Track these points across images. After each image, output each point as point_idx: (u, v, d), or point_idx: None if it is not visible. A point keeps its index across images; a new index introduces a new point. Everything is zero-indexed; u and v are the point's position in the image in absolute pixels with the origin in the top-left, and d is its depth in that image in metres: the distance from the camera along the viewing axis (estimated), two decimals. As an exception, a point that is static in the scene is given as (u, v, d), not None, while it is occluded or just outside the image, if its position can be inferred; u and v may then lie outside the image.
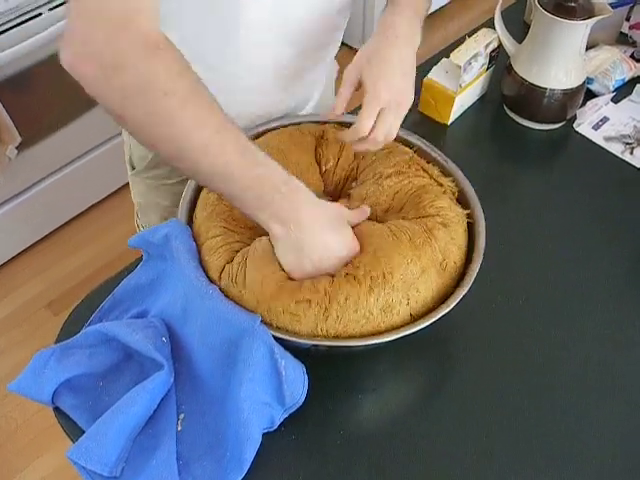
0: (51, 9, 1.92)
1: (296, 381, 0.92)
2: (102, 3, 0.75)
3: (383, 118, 1.00)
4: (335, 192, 1.15)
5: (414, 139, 1.15)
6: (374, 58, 1.01)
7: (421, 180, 1.07)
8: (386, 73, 1.00)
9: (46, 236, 2.50)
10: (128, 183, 1.39)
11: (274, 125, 1.18)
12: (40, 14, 1.91)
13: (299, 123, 1.18)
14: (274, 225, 0.89)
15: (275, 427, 0.93)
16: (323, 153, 1.14)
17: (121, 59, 0.76)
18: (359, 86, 1.03)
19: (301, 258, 0.91)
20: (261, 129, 1.17)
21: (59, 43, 0.78)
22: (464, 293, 0.95)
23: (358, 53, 1.03)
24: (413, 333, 0.91)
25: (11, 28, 1.87)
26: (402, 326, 0.92)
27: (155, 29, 0.79)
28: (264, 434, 0.92)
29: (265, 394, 0.92)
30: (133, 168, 1.33)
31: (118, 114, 0.81)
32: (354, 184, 1.12)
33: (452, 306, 0.94)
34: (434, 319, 0.92)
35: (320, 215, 0.92)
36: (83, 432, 0.90)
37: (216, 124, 0.83)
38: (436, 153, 1.14)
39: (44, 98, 2.11)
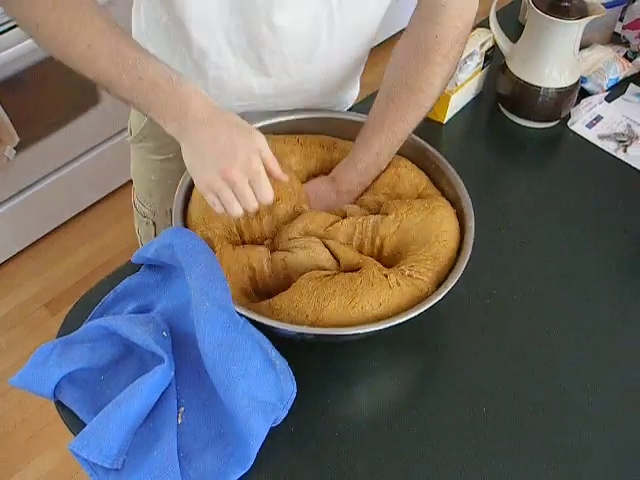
0: (49, 10, 1.93)
1: (285, 372, 0.94)
2: None
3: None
4: None
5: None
6: (319, 201, 1.13)
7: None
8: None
9: (44, 236, 2.50)
10: (126, 183, 1.41)
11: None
12: (39, 15, 1.91)
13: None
14: (169, 125, 0.93)
15: (279, 422, 0.94)
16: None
17: None
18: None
19: (197, 158, 0.94)
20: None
21: None
22: (453, 284, 0.97)
23: (315, 181, 1.16)
24: (401, 323, 0.93)
25: (10, 29, 1.87)
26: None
27: None
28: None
29: (264, 388, 0.93)
30: (131, 134, 1.35)
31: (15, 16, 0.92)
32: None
33: (443, 295, 0.95)
34: (423, 309, 0.94)
35: (211, 111, 0.93)
36: (84, 425, 0.91)
37: (86, 40, 0.91)
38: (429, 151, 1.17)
39: (42, 98, 2.12)
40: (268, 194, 0.93)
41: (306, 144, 1.19)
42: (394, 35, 3.02)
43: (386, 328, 0.93)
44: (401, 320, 0.93)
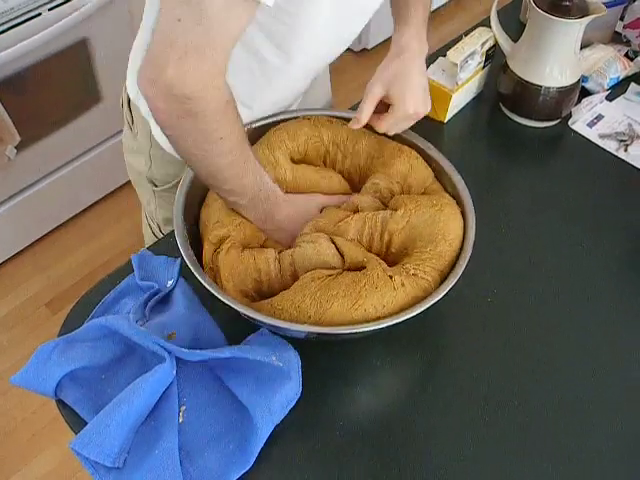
0: (51, 9, 1.93)
1: (293, 373, 0.95)
2: (200, 59, 0.82)
3: (401, 126, 1.17)
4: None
5: (410, 136, 1.18)
6: (399, 79, 1.13)
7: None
8: (411, 89, 1.13)
9: (45, 235, 2.51)
10: (126, 183, 1.40)
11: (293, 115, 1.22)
12: (40, 14, 1.91)
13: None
14: (255, 219, 1.06)
15: (280, 420, 0.94)
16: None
17: (198, 109, 0.86)
18: (380, 102, 1.15)
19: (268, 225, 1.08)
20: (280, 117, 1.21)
21: (142, 67, 0.85)
22: (452, 284, 0.97)
23: (379, 71, 1.15)
24: (401, 322, 0.93)
25: (10, 28, 1.87)
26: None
27: (228, 87, 0.90)
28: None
29: (273, 388, 0.94)
30: (155, 185, 1.37)
31: (173, 141, 0.93)
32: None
33: (441, 295, 0.95)
34: (423, 308, 0.94)
35: (292, 213, 1.09)
36: (86, 424, 0.91)
37: (245, 157, 0.99)
38: (431, 150, 1.17)
39: (43, 98, 2.12)
40: None
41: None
42: (388, 39, 3.04)
43: (385, 327, 0.93)
44: (398, 320, 0.93)
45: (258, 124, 1.18)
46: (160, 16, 0.82)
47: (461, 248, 1.03)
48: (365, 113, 1.13)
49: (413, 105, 1.13)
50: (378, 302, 0.94)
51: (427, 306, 0.94)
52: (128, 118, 1.31)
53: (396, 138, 1.18)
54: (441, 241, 1.01)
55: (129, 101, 1.27)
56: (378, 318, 0.94)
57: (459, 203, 1.08)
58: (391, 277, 0.96)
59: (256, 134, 1.16)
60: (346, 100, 1.43)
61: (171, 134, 0.91)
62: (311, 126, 1.17)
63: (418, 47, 1.16)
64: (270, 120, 1.19)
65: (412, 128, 1.18)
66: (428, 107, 1.17)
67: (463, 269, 0.99)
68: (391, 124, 1.15)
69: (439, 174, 1.15)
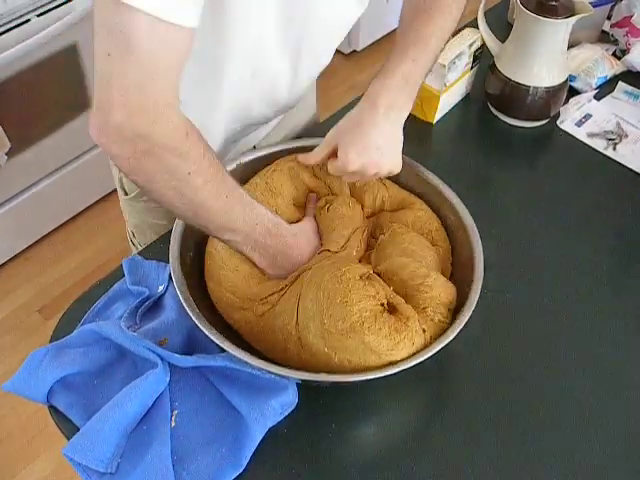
0: (40, 15, 1.93)
1: (288, 384, 0.95)
2: (142, 95, 0.77)
3: (348, 178, 1.11)
4: None
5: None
6: (353, 129, 1.04)
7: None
8: (357, 145, 1.04)
9: (36, 242, 2.51)
10: (117, 188, 1.39)
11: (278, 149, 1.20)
12: (28, 20, 1.91)
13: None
14: (258, 259, 1.02)
15: (275, 422, 0.94)
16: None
17: (154, 148, 0.80)
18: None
19: (276, 267, 1.04)
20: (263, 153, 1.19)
21: (90, 114, 0.80)
22: (459, 329, 0.95)
23: (342, 120, 1.07)
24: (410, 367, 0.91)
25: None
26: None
27: (184, 118, 0.84)
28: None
29: (267, 392, 0.94)
30: (126, 193, 1.33)
31: (142, 185, 0.87)
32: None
33: (450, 339, 0.94)
34: (434, 352, 0.92)
35: (297, 242, 1.05)
36: (78, 430, 0.92)
37: (227, 190, 0.93)
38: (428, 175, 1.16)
39: (33, 104, 2.12)
40: None
41: None
42: (381, 38, 3.04)
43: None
44: (412, 364, 0.91)
45: (246, 159, 1.16)
46: (94, 51, 0.77)
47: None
48: (313, 157, 1.11)
49: (357, 163, 1.03)
50: (407, 354, 0.92)
51: (437, 350, 0.92)
52: None
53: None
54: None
55: None
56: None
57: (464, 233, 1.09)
58: (424, 331, 0.95)
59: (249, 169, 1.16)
60: (335, 103, 1.43)
61: (137, 179, 0.85)
62: (292, 177, 1.16)
63: (388, 102, 1.04)
64: (260, 154, 1.18)
65: (404, 129, 1.16)
66: (384, 170, 1.07)
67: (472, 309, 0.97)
68: (336, 171, 1.08)
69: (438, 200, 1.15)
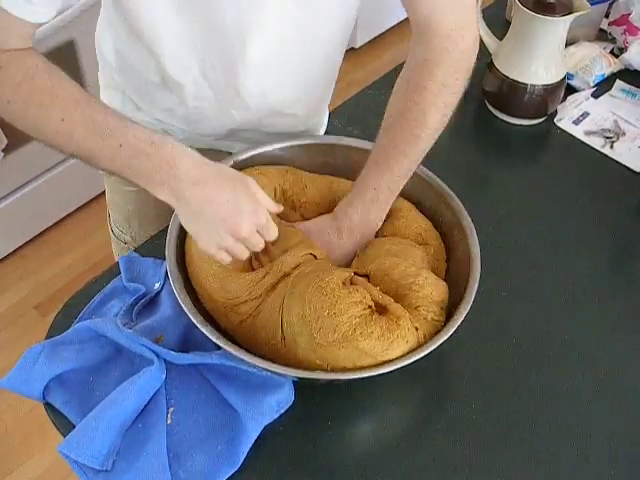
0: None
1: (284, 381, 0.95)
2: None
3: None
4: None
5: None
6: (321, 240, 1.07)
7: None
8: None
9: (33, 238, 2.50)
10: None
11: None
12: (25, 16, 1.91)
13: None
14: (160, 190, 0.91)
15: (272, 420, 0.94)
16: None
17: None
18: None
19: (200, 222, 0.92)
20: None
21: None
22: (456, 327, 0.95)
23: (317, 220, 1.10)
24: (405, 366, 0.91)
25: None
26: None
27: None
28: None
29: (257, 390, 0.94)
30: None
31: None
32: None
33: (446, 337, 0.94)
34: (430, 350, 0.92)
35: (201, 169, 0.92)
36: (74, 427, 0.92)
37: (60, 113, 0.90)
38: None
39: (30, 100, 2.11)
40: (274, 233, 0.96)
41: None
42: (379, 35, 3.04)
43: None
44: (412, 360, 0.91)
45: (241, 157, 1.15)
46: None
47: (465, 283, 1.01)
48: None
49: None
50: (402, 353, 0.92)
51: (434, 348, 0.92)
52: None
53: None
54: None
55: None
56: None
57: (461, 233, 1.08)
58: (417, 329, 0.95)
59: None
60: (332, 101, 1.42)
61: None
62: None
63: (347, 229, 1.07)
64: (255, 152, 1.17)
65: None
66: None
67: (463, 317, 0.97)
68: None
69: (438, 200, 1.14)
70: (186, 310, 0.94)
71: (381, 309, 0.96)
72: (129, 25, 1.02)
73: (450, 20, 1.00)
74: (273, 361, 0.92)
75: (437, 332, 0.96)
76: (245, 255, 0.95)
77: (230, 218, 0.90)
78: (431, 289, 0.99)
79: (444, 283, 1.02)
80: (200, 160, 0.92)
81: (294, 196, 1.15)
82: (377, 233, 1.10)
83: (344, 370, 0.91)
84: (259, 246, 0.95)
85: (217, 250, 0.92)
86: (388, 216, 1.10)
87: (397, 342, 0.92)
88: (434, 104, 1.02)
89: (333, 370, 0.91)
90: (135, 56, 1.10)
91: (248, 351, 0.93)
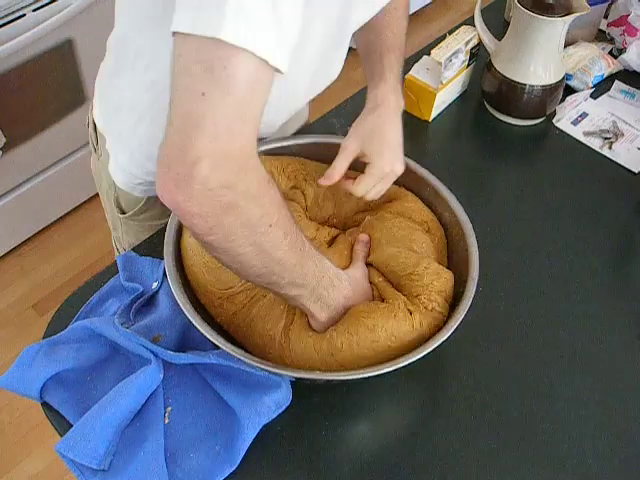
0: (35, 10, 1.92)
1: (281, 381, 0.94)
2: (231, 141, 0.70)
3: (378, 188, 1.08)
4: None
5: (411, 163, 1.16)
6: (376, 134, 1.07)
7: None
8: (389, 145, 1.07)
9: (31, 237, 2.50)
10: (105, 205, 1.34)
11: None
12: (24, 15, 1.90)
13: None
14: (319, 311, 0.94)
15: (269, 420, 0.94)
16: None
17: (238, 199, 0.73)
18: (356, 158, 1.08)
19: (331, 318, 0.96)
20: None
21: (163, 172, 0.71)
22: (455, 326, 0.94)
23: (354, 127, 1.09)
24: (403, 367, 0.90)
25: (-6, 30, 1.87)
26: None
27: (262, 165, 0.78)
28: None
29: (254, 390, 0.94)
30: (122, 212, 1.27)
31: (217, 245, 0.78)
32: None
33: (444, 338, 0.93)
34: (428, 350, 0.91)
35: (354, 292, 0.98)
36: (71, 426, 0.91)
37: (301, 243, 0.87)
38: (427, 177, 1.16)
39: (28, 99, 2.11)
40: None
41: None
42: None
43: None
44: (415, 358, 0.91)
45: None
46: (176, 93, 0.70)
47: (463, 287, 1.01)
48: (338, 170, 1.05)
49: (390, 162, 1.06)
50: (391, 330, 0.93)
51: (441, 341, 0.92)
52: (93, 139, 1.22)
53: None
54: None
55: (94, 124, 1.19)
56: (387, 347, 0.93)
57: (458, 228, 1.08)
58: (411, 313, 0.95)
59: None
60: (331, 100, 1.43)
61: (213, 239, 0.75)
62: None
63: (394, 101, 1.10)
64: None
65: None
66: (403, 165, 1.08)
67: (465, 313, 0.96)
68: (369, 185, 1.07)
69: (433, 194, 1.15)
70: (184, 309, 0.94)
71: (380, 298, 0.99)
72: None
73: None
74: (267, 356, 0.93)
75: (437, 324, 0.96)
76: None
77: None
78: (431, 278, 0.99)
79: (448, 273, 1.01)
80: (353, 285, 0.99)
81: (295, 171, 1.16)
82: (389, 209, 1.12)
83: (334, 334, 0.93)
84: None
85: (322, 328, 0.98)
86: (397, 198, 1.13)
87: (381, 311, 0.94)
88: None
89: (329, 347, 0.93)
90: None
91: (244, 348, 0.94)
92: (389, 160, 1.06)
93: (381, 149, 1.06)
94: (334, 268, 0.95)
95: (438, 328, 0.96)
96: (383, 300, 0.99)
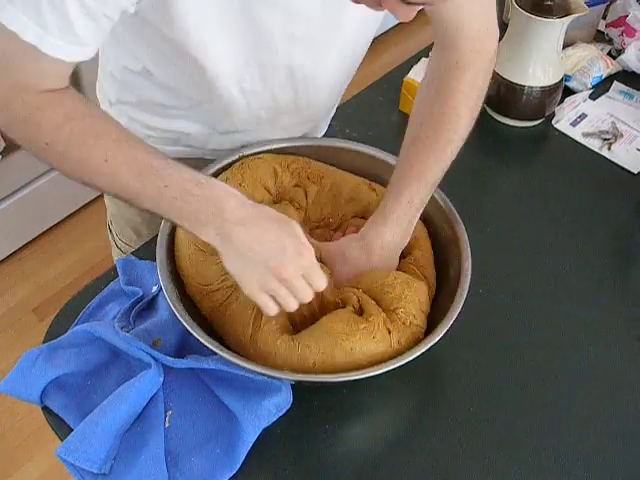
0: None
1: (282, 385, 0.94)
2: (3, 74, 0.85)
3: None
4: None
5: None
6: (348, 268, 1.04)
7: None
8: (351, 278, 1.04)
9: (31, 241, 2.49)
10: None
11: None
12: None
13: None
14: (204, 232, 0.88)
15: (269, 423, 0.94)
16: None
17: (11, 122, 0.89)
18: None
19: (244, 263, 0.88)
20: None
21: None
22: (446, 329, 0.94)
23: (339, 254, 1.05)
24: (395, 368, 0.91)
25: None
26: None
27: (43, 95, 0.87)
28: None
29: (263, 393, 0.94)
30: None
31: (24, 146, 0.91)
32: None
33: (435, 341, 0.93)
34: (423, 350, 0.92)
35: (247, 210, 0.89)
36: (72, 431, 0.91)
37: (102, 154, 0.87)
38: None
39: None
40: (322, 282, 0.90)
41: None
42: (376, 37, 3.03)
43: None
44: (401, 363, 0.91)
45: (248, 152, 1.15)
46: None
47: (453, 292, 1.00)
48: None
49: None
50: (369, 352, 0.92)
51: (427, 347, 0.92)
52: None
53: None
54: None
55: None
56: (362, 365, 0.92)
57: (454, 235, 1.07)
58: (389, 332, 0.94)
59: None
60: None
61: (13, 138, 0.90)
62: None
63: (379, 250, 1.03)
64: (262, 148, 1.17)
65: (396, 131, 1.16)
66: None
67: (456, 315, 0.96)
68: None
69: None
70: (178, 316, 0.94)
71: (361, 312, 0.97)
72: (170, 43, 0.96)
73: (477, 24, 1.05)
74: (270, 367, 0.92)
75: (416, 338, 0.95)
76: (292, 305, 0.90)
77: (274, 259, 0.87)
78: (402, 288, 0.98)
79: (418, 282, 1.00)
80: (245, 201, 0.89)
81: (299, 169, 1.15)
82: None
83: (309, 350, 0.92)
84: (305, 293, 0.89)
85: (260, 292, 0.89)
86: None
87: (361, 333, 0.92)
88: (466, 106, 1.05)
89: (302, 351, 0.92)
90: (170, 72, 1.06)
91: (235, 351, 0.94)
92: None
93: (339, 278, 1.03)
94: (189, 173, 0.89)
95: (417, 341, 0.95)
96: (362, 313, 0.96)
